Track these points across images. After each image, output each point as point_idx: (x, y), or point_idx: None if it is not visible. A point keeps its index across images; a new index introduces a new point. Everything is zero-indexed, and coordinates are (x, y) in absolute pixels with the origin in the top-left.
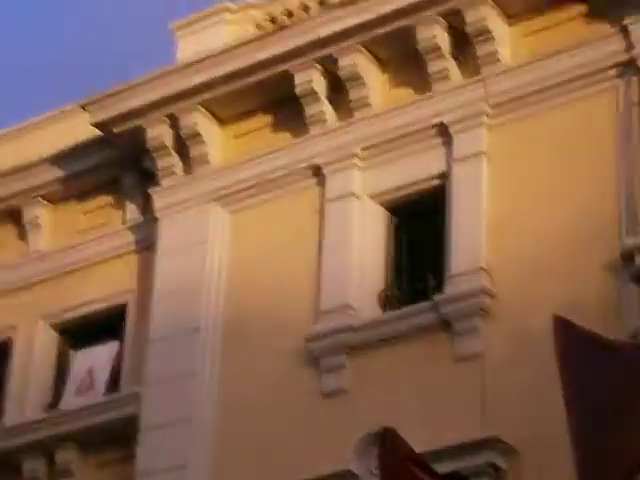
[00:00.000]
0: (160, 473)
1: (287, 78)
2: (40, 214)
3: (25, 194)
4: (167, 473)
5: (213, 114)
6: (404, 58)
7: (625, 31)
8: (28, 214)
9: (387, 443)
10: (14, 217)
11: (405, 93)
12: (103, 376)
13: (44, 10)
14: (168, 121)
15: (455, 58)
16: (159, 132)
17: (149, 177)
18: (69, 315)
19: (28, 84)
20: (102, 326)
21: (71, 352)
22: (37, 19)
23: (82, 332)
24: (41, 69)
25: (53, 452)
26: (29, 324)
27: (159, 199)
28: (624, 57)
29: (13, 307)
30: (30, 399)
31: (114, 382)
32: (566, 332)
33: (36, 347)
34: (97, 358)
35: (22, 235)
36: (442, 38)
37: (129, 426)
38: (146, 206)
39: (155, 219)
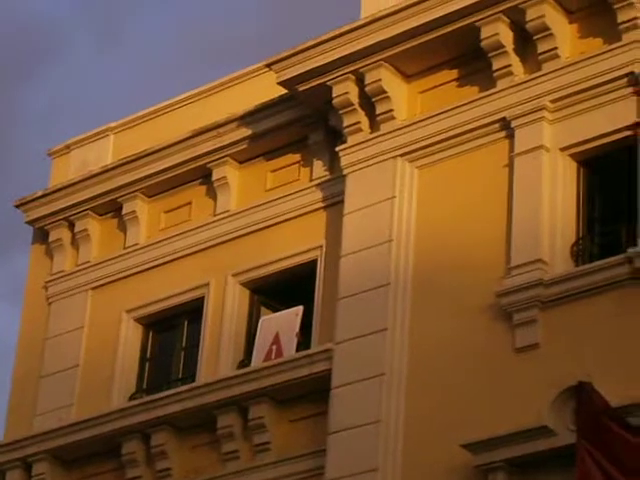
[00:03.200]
0: (353, 428)
1: (473, 32)
2: (228, 173)
3: (213, 154)
4: (360, 428)
5: (398, 70)
6: (593, 7)
7: None
8: (217, 174)
9: (584, 397)
10: (204, 177)
11: (594, 43)
12: (291, 342)
13: None
14: (353, 78)
15: None
16: (345, 89)
17: (335, 134)
18: (259, 273)
19: (215, 45)
20: (292, 283)
21: (262, 309)
22: None
23: (273, 289)
24: (228, 30)
25: (247, 408)
26: (220, 282)
27: (346, 156)
28: None
29: (204, 266)
30: (223, 356)
31: (303, 343)
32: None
33: (227, 305)
34: (283, 324)
35: (211, 194)
36: None
37: (321, 383)
38: (333, 163)
39: (342, 176)
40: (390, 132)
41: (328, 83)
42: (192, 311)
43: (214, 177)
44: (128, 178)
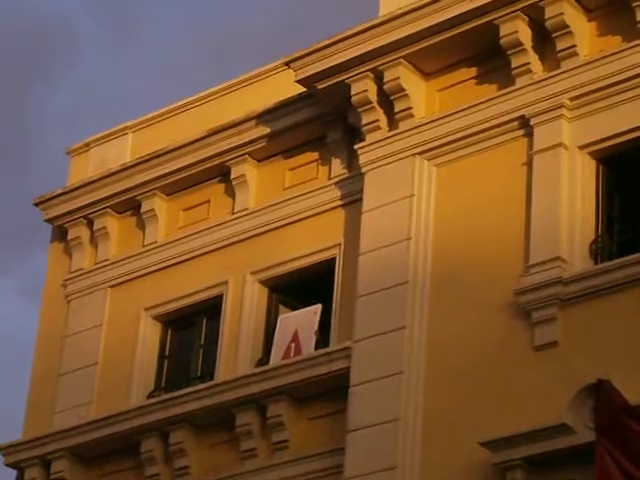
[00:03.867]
0: (372, 427)
1: (492, 29)
2: (247, 171)
3: (232, 152)
4: (379, 426)
5: (417, 68)
6: (612, 5)
7: None
8: (236, 172)
9: (603, 395)
10: (222, 175)
11: (613, 41)
12: (309, 340)
13: None
14: (372, 76)
15: None
16: (363, 87)
17: (354, 132)
18: (278, 271)
19: (232, 42)
20: (310, 281)
21: (281, 307)
22: None
23: (291, 287)
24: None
25: (265, 406)
26: (239, 280)
27: (364, 154)
28: None
29: (223, 264)
30: (241, 354)
31: (322, 341)
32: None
33: (246, 303)
34: (302, 322)
35: (230, 193)
36: None
37: (340, 380)
38: (351, 161)
39: (361, 174)
40: (408, 130)
41: (347, 81)
42: (210, 309)
43: (232, 175)
44: (147, 176)
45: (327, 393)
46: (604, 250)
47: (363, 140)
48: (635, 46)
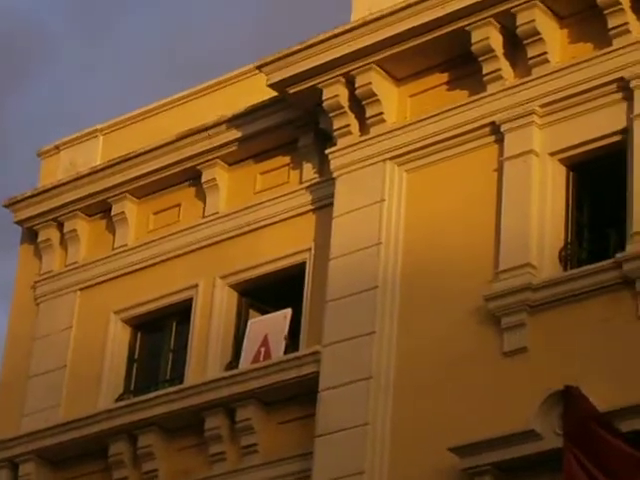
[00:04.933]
0: (340, 431)
1: (463, 36)
2: (218, 175)
3: (203, 156)
4: (347, 431)
5: (389, 73)
6: (584, 13)
7: None
8: (207, 175)
9: (571, 402)
10: (193, 179)
11: (585, 48)
12: (279, 344)
13: None
14: (344, 81)
15: None
16: (335, 92)
17: (325, 137)
18: (248, 275)
19: (204, 47)
20: (280, 285)
21: (250, 311)
22: None
23: (261, 291)
24: (216, 30)
25: (234, 410)
26: (209, 284)
27: (336, 159)
28: None
29: (193, 267)
30: (211, 358)
31: (291, 345)
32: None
33: (215, 306)
34: (271, 326)
35: (200, 196)
36: None
37: (309, 385)
38: (322, 166)
39: (332, 179)
40: (380, 135)
41: (318, 86)
42: (180, 313)
43: (203, 179)
44: (117, 179)
45: (296, 397)
46: (573, 257)
47: (334, 145)
48: (606, 53)
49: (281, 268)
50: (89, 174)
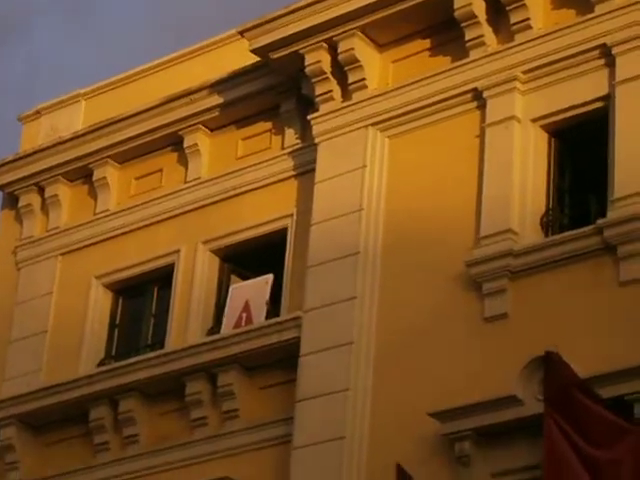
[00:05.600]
0: (321, 396)
1: (446, 1)
2: (200, 140)
3: (185, 121)
4: (328, 396)
5: (371, 39)
6: None
7: None
8: (188, 141)
9: (551, 368)
10: (175, 144)
11: (567, 14)
12: (261, 309)
13: None
14: (326, 46)
15: None
16: (317, 57)
17: (307, 103)
18: (229, 240)
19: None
20: (262, 251)
21: (232, 277)
22: None
23: (243, 257)
24: None
25: (215, 375)
26: (191, 249)
27: (318, 125)
28: None
29: (175, 233)
30: (192, 323)
31: (273, 311)
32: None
33: (197, 272)
34: (253, 292)
35: (182, 162)
36: None
37: (290, 350)
38: (304, 132)
39: (314, 144)
40: (362, 101)
41: (301, 51)
42: (162, 278)
43: (185, 144)
44: (99, 144)
45: (278, 363)
46: (555, 223)
47: (317, 111)
48: (589, 19)
49: (263, 234)
50: (71, 139)
